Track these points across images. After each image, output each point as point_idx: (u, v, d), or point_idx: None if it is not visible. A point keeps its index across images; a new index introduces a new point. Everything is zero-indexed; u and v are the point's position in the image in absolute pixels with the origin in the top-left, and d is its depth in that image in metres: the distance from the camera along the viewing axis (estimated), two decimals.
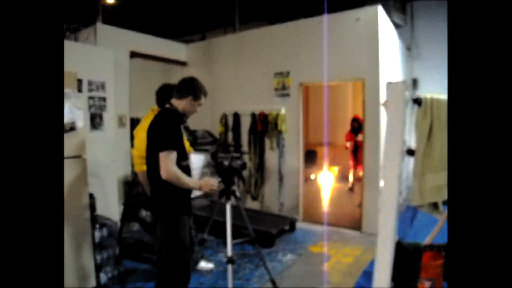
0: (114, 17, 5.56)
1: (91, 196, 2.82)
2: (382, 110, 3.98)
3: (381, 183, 1.55)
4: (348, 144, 6.24)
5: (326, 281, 3.06)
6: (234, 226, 2.52)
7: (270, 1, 6.39)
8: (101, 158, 3.90)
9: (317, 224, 4.62)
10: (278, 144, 4.88)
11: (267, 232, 3.86)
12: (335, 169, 7.42)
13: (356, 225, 4.41)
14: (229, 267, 2.40)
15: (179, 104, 2.12)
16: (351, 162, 6.41)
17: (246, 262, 3.45)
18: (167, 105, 2.15)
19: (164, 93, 2.59)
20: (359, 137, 5.84)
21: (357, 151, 6.12)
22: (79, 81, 3.59)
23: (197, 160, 2.61)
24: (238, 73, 5.33)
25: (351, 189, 6.51)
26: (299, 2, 5.94)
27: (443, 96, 1.55)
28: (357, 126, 5.99)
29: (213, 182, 2.17)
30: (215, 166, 2.57)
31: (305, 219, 4.81)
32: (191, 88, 2.12)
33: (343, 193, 6.43)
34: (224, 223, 2.47)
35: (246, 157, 5.09)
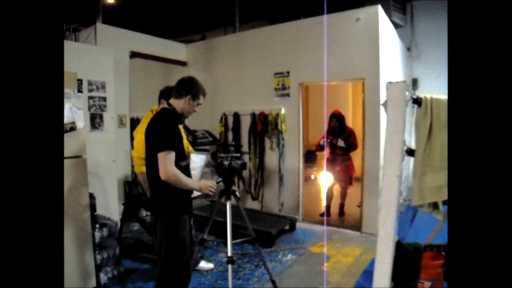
0: (114, 17, 5.55)
1: (91, 196, 2.82)
2: (382, 110, 3.98)
3: (381, 183, 1.55)
4: (326, 151, 4.79)
5: (326, 281, 3.06)
6: (234, 226, 2.52)
7: (270, 1, 6.39)
8: (101, 158, 3.90)
9: (317, 224, 4.63)
10: (278, 144, 4.88)
11: (267, 232, 3.86)
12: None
13: (356, 225, 4.41)
14: (229, 267, 2.40)
15: (177, 104, 2.11)
16: (327, 177, 4.94)
17: (246, 262, 3.45)
18: (166, 105, 2.14)
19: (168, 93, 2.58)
20: (340, 142, 4.64)
21: (335, 161, 4.77)
22: (79, 81, 3.59)
23: (198, 160, 2.60)
24: (238, 73, 5.33)
25: (325, 213, 4.83)
26: (299, 2, 5.94)
27: (443, 96, 1.55)
28: (338, 126, 4.69)
29: (212, 184, 2.17)
30: (215, 166, 2.57)
31: (305, 219, 4.80)
32: (190, 88, 2.12)
33: None
34: (224, 223, 2.48)
35: (246, 157, 5.09)
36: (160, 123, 2.03)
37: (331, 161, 4.85)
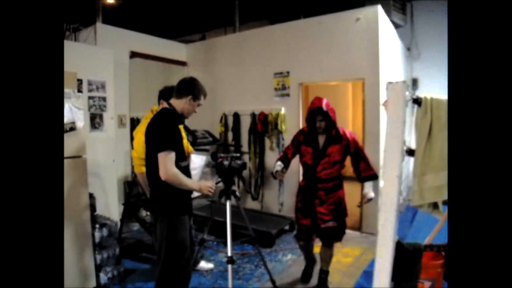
0: (114, 17, 5.56)
1: (91, 196, 2.82)
2: (382, 110, 3.98)
3: (381, 183, 1.55)
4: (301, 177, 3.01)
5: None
6: (234, 226, 2.52)
7: (270, 1, 6.39)
8: (101, 158, 3.90)
9: None
10: (278, 144, 4.88)
11: (267, 232, 3.86)
12: None
13: (356, 225, 4.41)
14: (229, 267, 2.40)
15: (178, 104, 2.11)
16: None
17: (246, 262, 3.45)
18: (165, 105, 2.14)
19: (167, 93, 2.58)
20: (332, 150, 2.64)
21: (314, 190, 2.69)
22: (79, 81, 3.58)
23: (198, 160, 2.60)
24: (238, 73, 5.33)
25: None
26: (299, 2, 5.94)
27: (443, 96, 1.55)
28: (324, 128, 2.63)
29: (211, 184, 2.18)
30: (215, 166, 2.57)
31: None
32: (191, 88, 2.12)
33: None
34: (224, 223, 2.48)
35: (246, 157, 5.09)
36: (160, 123, 2.03)
37: (307, 193, 2.78)
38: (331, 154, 2.67)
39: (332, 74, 4.45)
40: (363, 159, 2.72)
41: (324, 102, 2.65)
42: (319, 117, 2.63)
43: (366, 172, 2.72)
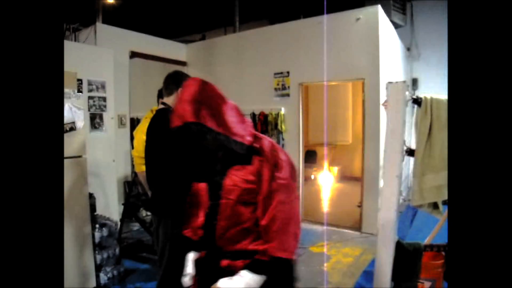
0: (114, 17, 5.55)
1: (91, 196, 2.82)
2: (382, 110, 3.98)
3: (381, 183, 1.56)
4: None
5: (326, 281, 3.06)
6: None
7: (270, 1, 6.39)
8: (101, 158, 3.90)
9: (317, 224, 4.62)
10: (278, 144, 4.87)
11: None
12: (335, 169, 7.41)
13: (356, 225, 4.41)
14: None
15: (171, 101, 2.09)
16: None
17: None
18: (161, 106, 2.13)
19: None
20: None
21: (214, 271, 1.18)
22: (79, 81, 3.59)
23: None
24: (238, 73, 5.33)
25: None
26: (299, 2, 5.94)
27: (443, 96, 1.55)
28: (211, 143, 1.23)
29: None
30: None
31: (305, 219, 4.80)
32: (177, 81, 2.08)
33: (343, 193, 6.43)
34: None
35: None
36: (161, 124, 2.02)
37: (204, 275, 1.25)
38: (233, 189, 1.25)
39: (332, 74, 4.45)
40: (276, 217, 1.20)
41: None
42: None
43: (274, 251, 1.16)
